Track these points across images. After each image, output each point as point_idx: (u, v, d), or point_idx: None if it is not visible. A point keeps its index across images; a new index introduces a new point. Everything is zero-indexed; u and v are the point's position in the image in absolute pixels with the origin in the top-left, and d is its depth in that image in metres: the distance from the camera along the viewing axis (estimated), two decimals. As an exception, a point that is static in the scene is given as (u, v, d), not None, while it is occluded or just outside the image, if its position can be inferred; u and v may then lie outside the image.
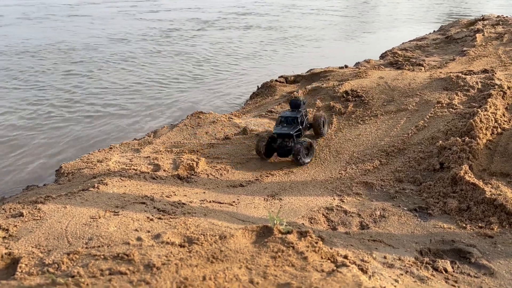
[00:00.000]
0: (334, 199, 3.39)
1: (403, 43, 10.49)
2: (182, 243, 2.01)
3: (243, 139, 4.71)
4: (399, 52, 9.22)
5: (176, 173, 3.84)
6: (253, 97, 6.59)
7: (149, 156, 4.25)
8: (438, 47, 9.75)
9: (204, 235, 2.10)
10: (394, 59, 8.46)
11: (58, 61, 9.36)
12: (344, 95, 5.31)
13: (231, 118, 5.28)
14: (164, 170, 3.87)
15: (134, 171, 3.78)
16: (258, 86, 6.87)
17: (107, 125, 5.93)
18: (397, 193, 3.48)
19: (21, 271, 1.77)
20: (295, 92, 5.35)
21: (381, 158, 3.98)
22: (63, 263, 1.78)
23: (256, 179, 3.83)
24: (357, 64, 8.20)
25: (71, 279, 1.62)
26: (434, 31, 12.55)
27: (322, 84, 5.86)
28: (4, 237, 2.11)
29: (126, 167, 3.89)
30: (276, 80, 6.78)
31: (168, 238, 2.05)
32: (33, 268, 1.78)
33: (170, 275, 1.67)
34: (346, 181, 3.70)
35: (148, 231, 2.16)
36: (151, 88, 7.66)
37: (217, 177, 3.86)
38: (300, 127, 4.14)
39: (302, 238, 2.15)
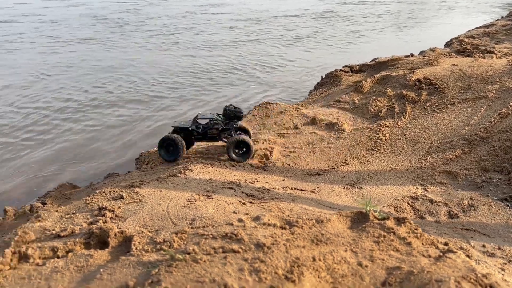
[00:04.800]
0: (417, 188, 3.30)
1: (469, 31, 10.02)
2: (283, 225, 2.02)
3: (313, 129, 4.69)
4: (466, 39, 8.81)
5: (251, 161, 3.89)
6: (317, 87, 6.54)
7: (224, 145, 4.32)
8: (509, 34, 9.22)
9: (301, 218, 2.11)
10: (461, 47, 8.10)
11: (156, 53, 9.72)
12: (417, 83, 5.13)
13: (299, 108, 5.26)
14: (240, 159, 3.93)
15: (212, 159, 3.86)
16: (322, 76, 6.80)
17: (173, 117, 6.09)
18: (484, 182, 3.33)
19: (136, 248, 1.85)
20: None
21: (463, 146, 3.82)
22: (174, 241, 1.85)
23: (332, 168, 3.80)
24: (422, 52, 7.92)
25: (188, 256, 1.68)
26: (502, 17, 11.87)
27: (392, 73, 5.70)
28: (111, 218, 2.22)
29: (204, 155, 3.98)
30: (340, 70, 6.68)
31: (269, 220, 2.08)
32: (146, 246, 1.87)
33: (282, 255, 1.69)
34: (428, 170, 3.58)
35: (246, 214, 2.19)
36: (214, 79, 7.79)
37: (292, 166, 3.86)
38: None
39: (402, 225, 2.11)
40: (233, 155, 3.75)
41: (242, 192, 2.73)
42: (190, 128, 3.85)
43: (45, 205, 3.48)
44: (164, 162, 3.83)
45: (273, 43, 10.81)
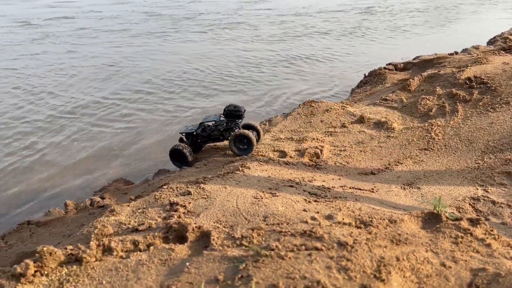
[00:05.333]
0: (477, 189, 3.23)
1: (513, 27, 9.73)
2: (357, 224, 2.03)
3: (361, 128, 4.65)
4: (511, 37, 8.57)
5: (302, 159, 3.89)
6: (361, 85, 6.48)
7: (271, 144, 4.35)
8: (556, 31, 8.91)
9: (374, 218, 2.11)
10: (506, 45, 7.87)
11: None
12: (467, 82, 5.01)
13: (344, 107, 5.22)
14: (291, 157, 3.94)
15: (262, 157, 3.88)
16: (365, 74, 6.73)
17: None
18: (547, 184, 3.24)
19: (216, 243, 1.89)
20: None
21: (522, 147, 3.72)
22: (253, 238, 1.88)
23: (386, 168, 3.77)
24: (465, 50, 7.73)
25: (272, 252, 1.70)
26: (549, 12, 11.46)
27: (439, 71, 5.58)
28: (184, 213, 2.27)
29: (254, 153, 4.01)
30: (384, 68, 6.60)
31: (343, 219, 2.08)
32: (225, 241, 1.90)
33: (366, 254, 1.69)
34: (486, 171, 3.50)
35: (317, 212, 2.20)
36: (255, 78, 7.84)
37: (344, 165, 3.85)
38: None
39: (477, 226, 2.07)
40: (235, 149, 3.88)
41: (304, 191, 2.74)
42: (194, 133, 4.06)
43: (104, 200, 3.59)
44: (218, 160, 3.88)
45: (318, 37, 10.78)
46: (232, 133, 3.96)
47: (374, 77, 6.40)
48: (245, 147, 3.88)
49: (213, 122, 4.08)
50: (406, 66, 6.59)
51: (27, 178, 4.41)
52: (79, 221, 3.28)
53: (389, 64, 6.76)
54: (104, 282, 1.71)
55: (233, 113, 3.97)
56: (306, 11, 15.02)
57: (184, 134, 4.10)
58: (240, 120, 4.04)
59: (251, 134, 3.87)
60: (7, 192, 4.13)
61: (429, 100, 4.89)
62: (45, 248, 1.84)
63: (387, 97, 5.39)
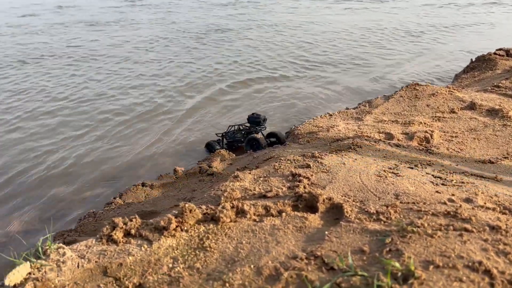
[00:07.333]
0: None
1: None
2: (501, 210, 1.89)
3: (472, 114, 4.35)
4: None
5: (411, 143, 3.73)
6: (467, 70, 6.07)
7: (374, 125, 4.22)
8: None
9: (516, 205, 1.95)
10: None
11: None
12: None
13: (452, 92, 4.93)
14: (398, 140, 3.79)
15: (367, 137, 3.78)
16: (472, 59, 6.30)
17: (317, 96, 6.08)
18: None
19: (350, 216, 1.86)
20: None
21: None
22: (390, 214, 1.82)
23: (505, 157, 3.50)
24: None
25: (419, 229, 1.63)
26: None
27: None
28: (308, 184, 2.26)
29: (358, 133, 3.91)
30: (494, 53, 6.12)
31: (484, 203, 1.95)
32: (359, 215, 1.86)
33: (524, 240, 1.57)
34: None
35: (452, 195, 2.09)
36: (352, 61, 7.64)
37: (457, 151, 3.63)
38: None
39: None
40: (249, 149, 4.29)
41: (427, 173, 2.62)
42: (221, 136, 4.61)
43: (211, 168, 3.71)
44: (321, 138, 3.84)
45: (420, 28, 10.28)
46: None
47: (482, 63, 5.97)
48: (256, 148, 4.30)
49: (239, 127, 4.63)
50: (521, 52, 6.05)
51: (140, 145, 4.65)
52: (190, 186, 3.42)
53: (499, 49, 6.25)
54: (243, 242, 1.75)
55: (254, 120, 4.43)
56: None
57: (220, 135, 4.66)
58: (261, 127, 4.46)
59: (261, 138, 4.35)
60: (122, 159, 4.39)
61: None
62: (186, 205, 1.93)
63: (499, 84, 5.00)
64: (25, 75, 7.22)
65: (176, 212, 1.94)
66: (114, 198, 3.37)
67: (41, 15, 14.26)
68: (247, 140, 4.40)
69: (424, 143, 3.77)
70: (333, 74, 6.92)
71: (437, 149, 3.63)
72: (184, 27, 11.21)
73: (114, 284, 1.60)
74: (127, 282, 1.58)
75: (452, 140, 3.82)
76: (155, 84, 6.54)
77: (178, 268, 1.62)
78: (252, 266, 1.56)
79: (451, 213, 1.77)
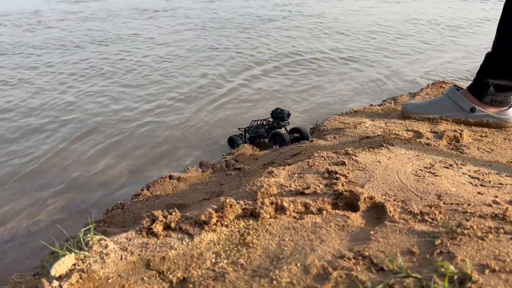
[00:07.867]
0: None
1: None
2: (550, 214, 1.84)
3: (502, 114, 4.26)
4: None
5: (441, 142, 3.67)
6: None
7: (402, 123, 4.16)
8: None
9: None
10: None
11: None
12: None
13: (480, 91, 4.82)
14: (427, 138, 3.73)
15: (396, 135, 3.73)
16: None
17: (340, 91, 6.03)
18: None
19: (392, 216, 1.83)
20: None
21: None
22: (435, 215, 1.79)
23: (537, 159, 3.43)
24: None
25: (469, 231, 1.60)
26: None
27: None
28: (346, 182, 2.23)
29: (386, 131, 3.87)
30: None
31: (533, 207, 1.91)
32: (403, 215, 1.83)
33: None
34: None
35: (496, 196, 2.05)
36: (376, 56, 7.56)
37: (488, 151, 3.57)
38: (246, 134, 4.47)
39: None
40: (272, 145, 4.25)
41: (463, 173, 2.58)
42: (244, 131, 4.52)
43: (238, 162, 3.69)
44: (348, 134, 3.80)
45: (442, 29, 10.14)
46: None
47: (510, 61, 5.83)
48: (280, 143, 4.23)
49: (262, 122, 4.55)
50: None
51: (165, 137, 4.65)
52: (217, 180, 3.41)
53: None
54: (286, 239, 1.73)
55: (278, 115, 4.37)
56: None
57: (242, 129, 4.57)
58: (285, 122, 4.39)
59: (284, 133, 4.32)
60: (147, 150, 4.40)
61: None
62: (227, 200, 1.91)
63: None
64: (104, 54, 7.28)
65: (216, 206, 1.92)
66: (142, 190, 3.37)
67: (89, 2, 14.51)
68: (270, 135, 4.36)
69: (453, 142, 3.71)
70: (353, 68, 6.85)
71: (468, 148, 3.57)
72: (228, 17, 11.28)
73: (158, 278, 1.59)
74: (170, 276, 1.57)
75: (482, 140, 3.76)
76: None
77: (222, 263, 1.61)
78: (298, 264, 1.54)
79: (499, 215, 1.73)
